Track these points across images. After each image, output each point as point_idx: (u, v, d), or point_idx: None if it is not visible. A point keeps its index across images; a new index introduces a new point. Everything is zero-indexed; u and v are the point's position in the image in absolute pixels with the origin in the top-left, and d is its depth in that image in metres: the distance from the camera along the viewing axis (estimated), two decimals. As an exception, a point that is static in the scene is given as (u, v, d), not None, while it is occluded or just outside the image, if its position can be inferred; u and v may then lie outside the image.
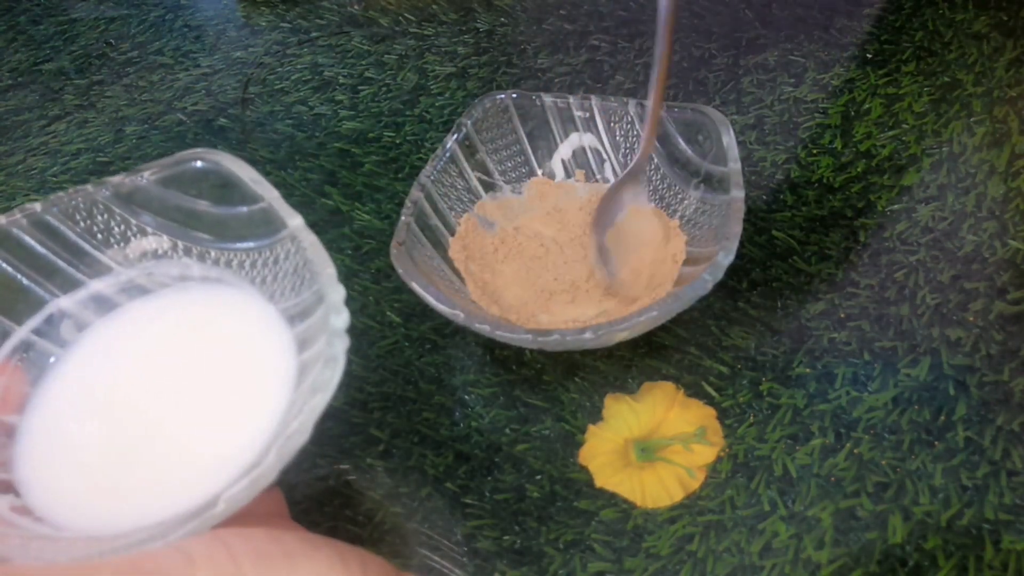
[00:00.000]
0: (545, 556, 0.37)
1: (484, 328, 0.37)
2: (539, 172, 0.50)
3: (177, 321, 0.36)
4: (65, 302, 0.35)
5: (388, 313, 0.47)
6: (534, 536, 0.37)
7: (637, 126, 0.47)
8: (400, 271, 0.39)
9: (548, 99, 0.48)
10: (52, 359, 0.34)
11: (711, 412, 0.40)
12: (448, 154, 0.46)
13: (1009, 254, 0.44)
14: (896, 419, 0.39)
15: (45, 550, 0.27)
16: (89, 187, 0.35)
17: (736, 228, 0.38)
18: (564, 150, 0.50)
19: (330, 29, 0.70)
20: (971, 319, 0.42)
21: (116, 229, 0.36)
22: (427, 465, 0.40)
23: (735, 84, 0.57)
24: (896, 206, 0.47)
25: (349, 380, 0.41)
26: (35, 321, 0.34)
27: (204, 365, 0.34)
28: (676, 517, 0.37)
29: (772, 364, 0.42)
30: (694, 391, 0.41)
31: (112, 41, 0.74)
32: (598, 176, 0.49)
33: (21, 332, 0.34)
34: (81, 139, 0.63)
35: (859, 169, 0.50)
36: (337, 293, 0.29)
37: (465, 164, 0.47)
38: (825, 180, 0.50)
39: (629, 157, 0.48)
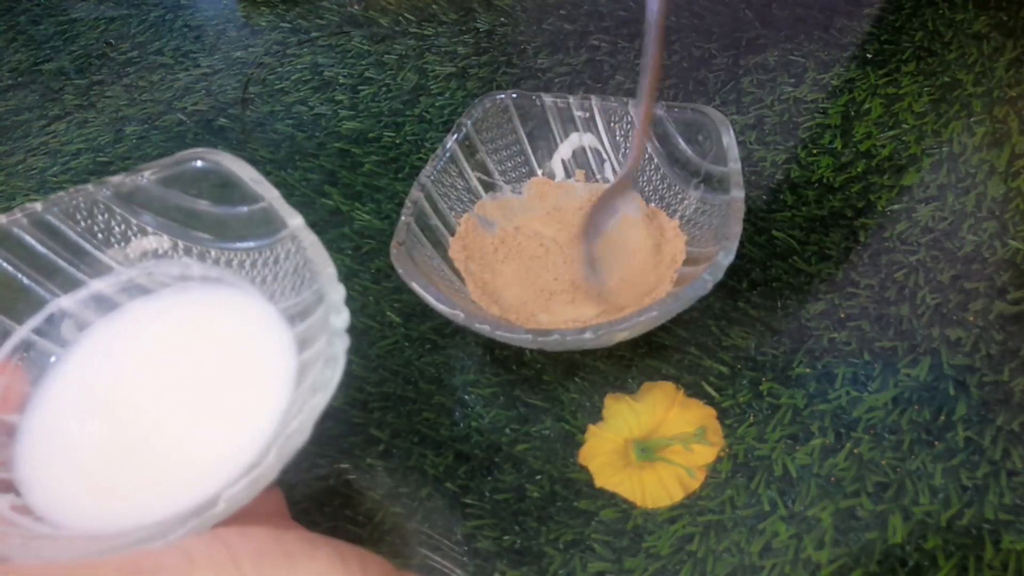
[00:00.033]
0: (545, 556, 0.37)
1: (484, 328, 0.37)
2: (539, 172, 0.50)
3: (177, 321, 0.36)
4: (66, 302, 0.35)
5: (388, 313, 0.47)
6: (534, 536, 0.37)
7: (637, 126, 0.47)
8: (400, 271, 0.39)
9: (548, 99, 0.48)
10: (53, 358, 0.34)
11: (711, 412, 0.40)
12: (448, 154, 0.46)
13: (1009, 254, 0.44)
14: (896, 419, 0.39)
15: (45, 549, 0.27)
16: (90, 187, 0.35)
17: (736, 228, 0.38)
18: (564, 150, 0.50)
19: (330, 29, 0.70)
20: (971, 319, 0.42)
21: (117, 229, 0.36)
22: (427, 465, 0.40)
23: (735, 84, 0.57)
24: (896, 206, 0.47)
25: (349, 380, 0.41)
26: (36, 320, 0.34)
27: (204, 365, 0.34)
28: (676, 517, 0.37)
29: (772, 364, 0.42)
30: (694, 391, 0.41)
31: (112, 41, 0.74)
32: (598, 176, 0.49)
33: (22, 331, 0.34)
34: (81, 139, 0.63)
35: (859, 169, 0.50)
36: (337, 293, 0.29)
37: (465, 164, 0.47)
38: (825, 180, 0.50)
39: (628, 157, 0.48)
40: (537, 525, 0.38)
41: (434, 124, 0.59)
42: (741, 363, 0.42)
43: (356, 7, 0.72)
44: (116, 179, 0.35)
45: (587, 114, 0.48)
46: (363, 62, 0.66)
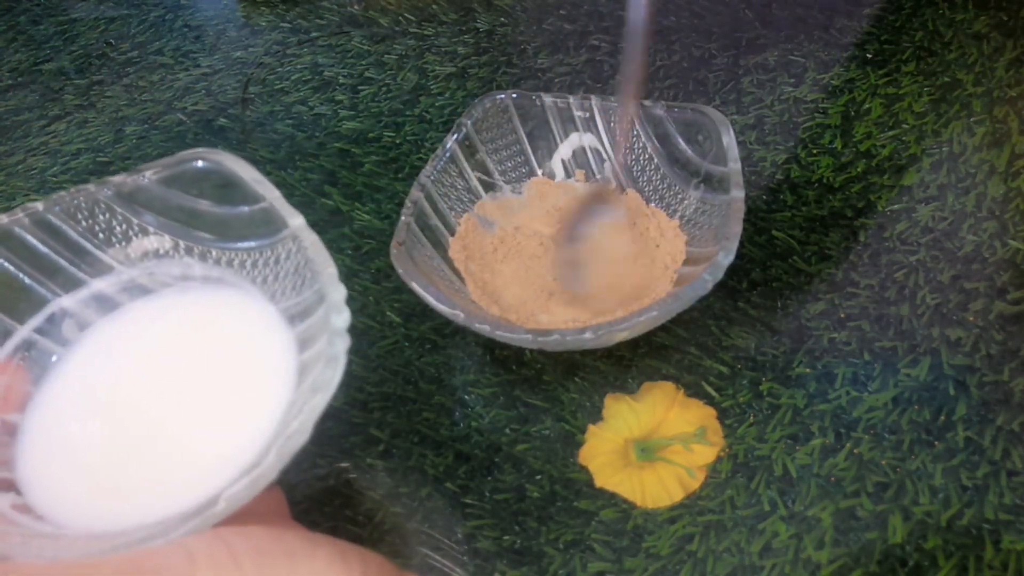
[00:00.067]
0: (545, 556, 0.37)
1: (484, 328, 0.37)
2: (539, 172, 0.50)
3: (178, 320, 0.36)
4: (67, 301, 0.35)
5: (388, 313, 0.47)
6: (534, 536, 0.37)
7: (637, 126, 0.47)
8: (400, 271, 0.39)
9: (548, 99, 0.48)
10: (54, 358, 0.34)
11: (711, 412, 0.40)
12: (448, 154, 0.46)
13: (1009, 254, 0.44)
14: (896, 419, 0.39)
15: (46, 548, 0.27)
16: (91, 186, 0.35)
17: (736, 228, 0.38)
18: (564, 150, 0.50)
19: (330, 29, 0.70)
20: (971, 319, 0.42)
21: (118, 228, 0.36)
22: (427, 465, 0.40)
23: (735, 84, 0.57)
24: (896, 206, 0.47)
25: (349, 380, 0.40)
26: (37, 320, 0.34)
27: (205, 364, 0.34)
28: (676, 517, 0.37)
29: (772, 364, 0.42)
30: (694, 391, 0.41)
31: (112, 41, 0.74)
32: (598, 176, 0.49)
33: (23, 331, 0.34)
34: (81, 139, 0.63)
35: (859, 169, 0.50)
36: (338, 292, 0.29)
37: (465, 164, 0.47)
38: (825, 180, 0.50)
39: (628, 157, 0.48)
40: (537, 525, 0.38)
41: (434, 124, 0.59)
42: (741, 363, 0.42)
43: (356, 7, 0.72)
44: (117, 179, 0.35)
45: (587, 114, 0.48)
46: (363, 62, 0.66)
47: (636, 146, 0.48)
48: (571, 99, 0.48)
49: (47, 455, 0.31)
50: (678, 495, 0.38)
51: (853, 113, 0.53)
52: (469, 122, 0.47)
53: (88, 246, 0.36)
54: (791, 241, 0.46)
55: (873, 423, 0.39)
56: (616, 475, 0.38)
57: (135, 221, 0.36)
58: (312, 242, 0.32)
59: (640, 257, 0.45)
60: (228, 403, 0.32)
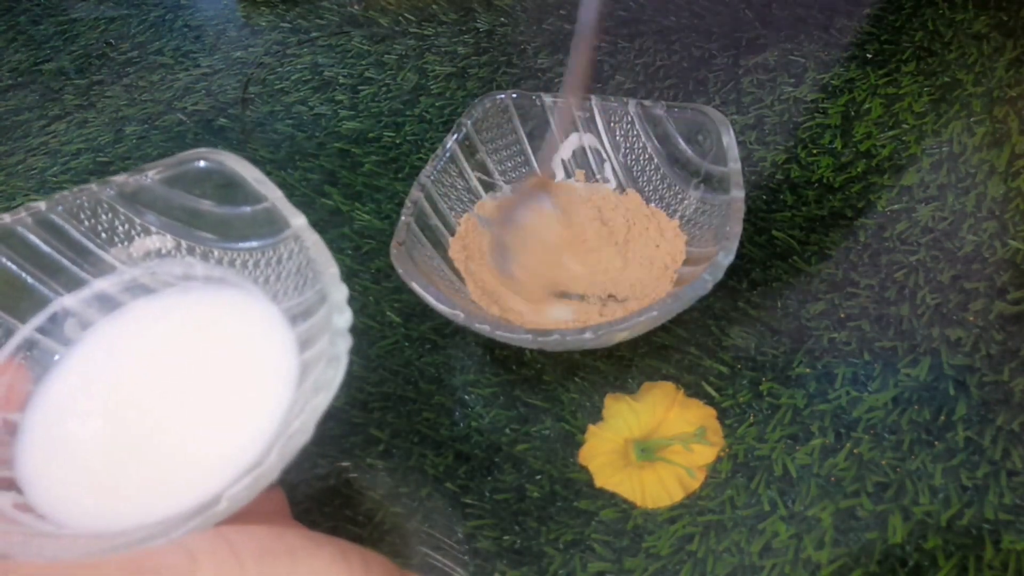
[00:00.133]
0: (545, 556, 0.37)
1: (484, 328, 0.37)
2: (539, 172, 0.50)
3: (180, 320, 0.36)
4: (69, 300, 0.35)
5: (388, 313, 0.47)
6: (534, 536, 0.37)
7: (637, 126, 0.47)
8: (400, 271, 0.39)
9: (548, 99, 0.48)
10: (56, 357, 0.34)
11: (711, 412, 0.40)
12: (448, 154, 0.46)
13: (1009, 254, 0.44)
14: (896, 419, 0.39)
15: (47, 547, 0.27)
16: (93, 186, 0.35)
17: (736, 228, 0.38)
18: (564, 150, 0.50)
19: (330, 29, 0.70)
20: (971, 319, 0.42)
21: (120, 228, 0.36)
22: (427, 465, 0.40)
23: (735, 84, 0.57)
24: (896, 206, 0.47)
25: (349, 380, 0.41)
26: (39, 319, 0.34)
27: (207, 364, 0.34)
28: (676, 517, 0.37)
29: (772, 364, 0.42)
30: (694, 391, 0.41)
31: (112, 41, 0.74)
32: (598, 176, 0.50)
33: (25, 330, 0.34)
34: (81, 139, 0.63)
35: (859, 169, 0.50)
36: (340, 292, 0.29)
37: (465, 164, 0.47)
38: (825, 180, 0.50)
39: (629, 157, 0.48)
40: (537, 525, 0.38)
41: (434, 124, 0.59)
42: (741, 363, 0.42)
43: (356, 7, 0.72)
44: (120, 178, 0.35)
45: (587, 114, 0.48)
46: (363, 62, 0.66)
47: (636, 146, 0.48)
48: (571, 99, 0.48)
49: (48, 454, 0.31)
50: (678, 495, 0.38)
51: (853, 113, 0.53)
52: (469, 122, 0.47)
53: (90, 245, 0.36)
54: (791, 241, 0.46)
55: (873, 423, 0.39)
56: (616, 475, 0.38)
57: (137, 221, 0.36)
58: (314, 242, 0.32)
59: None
60: (230, 403, 0.32)
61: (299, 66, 0.67)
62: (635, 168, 0.48)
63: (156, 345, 0.35)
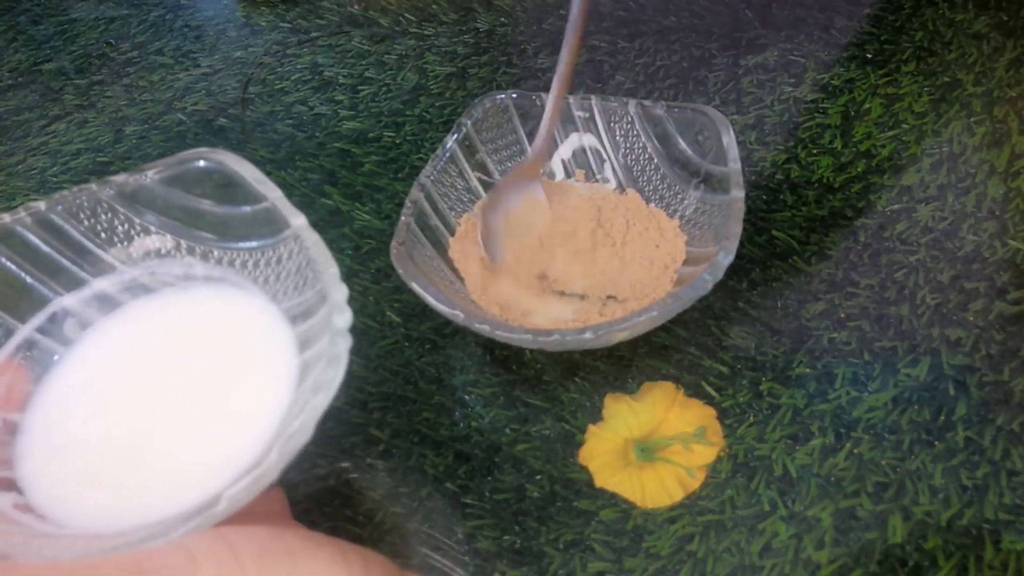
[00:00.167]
0: (545, 556, 0.37)
1: (484, 328, 0.37)
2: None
3: (180, 320, 0.36)
4: (69, 300, 0.35)
5: (388, 313, 0.47)
6: (534, 536, 0.37)
7: (637, 126, 0.47)
8: (400, 271, 0.39)
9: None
10: (55, 357, 0.35)
11: (711, 412, 0.40)
12: (448, 154, 0.46)
13: (1009, 254, 0.44)
14: (896, 419, 0.39)
15: (47, 548, 0.27)
16: (93, 186, 0.35)
17: (736, 228, 0.38)
18: (564, 150, 0.50)
19: (330, 29, 0.70)
20: (971, 319, 0.42)
21: (120, 228, 0.36)
22: (427, 465, 0.40)
23: (735, 84, 0.57)
24: (896, 206, 0.47)
25: (349, 380, 0.41)
26: (39, 319, 0.35)
27: (206, 364, 0.34)
28: (676, 517, 0.37)
29: (772, 364, 0.42)
30: (694, 391, 0.41)
31: (112, 41, 0.74)
32: (598, 176, 0.50)
33: (25, 330, 0.34)
34: (81, 139, 0.63)
35: (859, 169, 0.50)
36: (340, 292, 0.29)
37: (465, 164, 0.47)
38: (825, 180, 0.50)
39: (629, 157, 0.48)
40: (537, 525, 0.38)
41: (434, 124, 0.59)
42: (741, 363, 0.42)
43: (356, 7, 0.72)
44: (119, 178, 0.35)
45: (587, 114, 0.48)
46: (363, 62, 0.66)
47: (636, 146, 0.48)
48: (571, 99, 0.48)
49: (48, 454, 0.31)
50: (678, 495, 0.38)
51: (853, 113, 0.53)
52: (469, 122, 0.47)
53: (90, 245, 0.36)
54: (791, 241, 0.46)
55: (873, 423, 0.39)
56: (616, 475, 0.38)
57: (137, 221, 0.36)
58: (314, 242, 0.32)
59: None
60: (230, 403, 0.32)
61: (299, 66, 0.67)
62: (635, 168, 0.48)
63: (156, 345, 0.35)
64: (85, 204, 0.35)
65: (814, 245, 0.46)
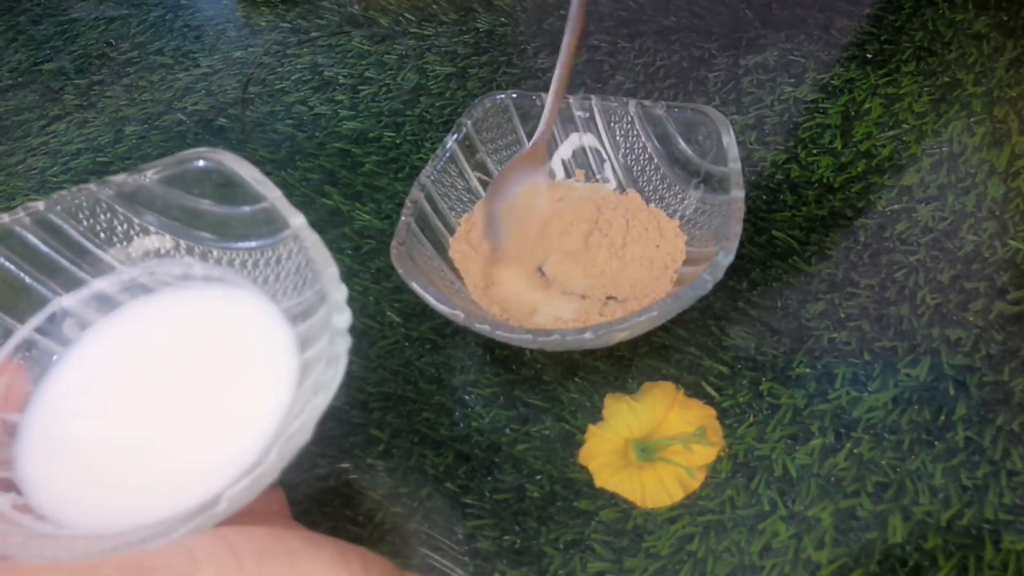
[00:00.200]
0: (545, 556, 0.37)
1: (484, 328, 0.37)
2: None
3: (179, 320, 0.36)
4: (68, 301, 0.35)
5: (388, 313, 0.47)
6: (534, 536, 0.37)
7: (637, 126, 0.47)
8: (400, 271, 0.39)
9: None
10: (54, 357, 0.34)
11: (711, 412, 0.40)
12: (448, 154, 0.46)
13: (1009, 254, 0.44)
14: (896, 419, 0.39)
15: (47, 548, 0.27)
16: (92, 186, 0.35)
17: (736, 228, 0.38)
18: (564, 150, 0.50)
19: (330, 29, 0.70)
20: (971, 319, 0.42)
21: (119, 228, 0.36)
22: (427, 465, 0.40)
23: (735, 84, 0.57)
24: (896, 206, 0.47)
25: (349, 380, 0.41)
26: (38, 319, 0.34)
27: (206, 364, 0.34)
28: (676, 517, 0.37)
29: (772, 364, 0.42)
30: (694, 391, 0.41)
31: (112, 41, 0.74)
32: (598, 176, 0.50)
33: (24, 330, 0.34)
34: (81, 139, 0.63)
35: (859, 169, 0.50)
36: (340, 292, 0.29)
37: (465, 164, 0.47)
38: (825, 180, 0.50)
39: (629, 157, 0.48)
40: (537, 525, 0.38)
41: (434, 124, 0.59)
42: (741, 363, 0.42)
43: (356, 7, 0.72)
44: (118, 178, 0.35)
45: (587, 114, 0.48)
46: (363, 62, 0.66)
47: (636, 146, 0.48)
48: (571, 99, 0.48)
49: (48, 455, 0.31)
50: (678, 495, 0.38)
51: (853, 113, 0.53)
52: (469, 122, 0.47)
53: (89, 245, 0.36)
54: (791, 241, 0.46)
55: (873, 423, 0.39)
56: (616, 475, 0.38)
57: (136, 221, 0.36)
58: (313, 242, 0.32)
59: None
60: (229, 403, 0.32)
61: (299, 66, 0.67)
62: (635, 168, 0.48)
63: (155, 345, 0.35)
64: (84, 204, 0.35)
65: (814, 245, 0.46)
